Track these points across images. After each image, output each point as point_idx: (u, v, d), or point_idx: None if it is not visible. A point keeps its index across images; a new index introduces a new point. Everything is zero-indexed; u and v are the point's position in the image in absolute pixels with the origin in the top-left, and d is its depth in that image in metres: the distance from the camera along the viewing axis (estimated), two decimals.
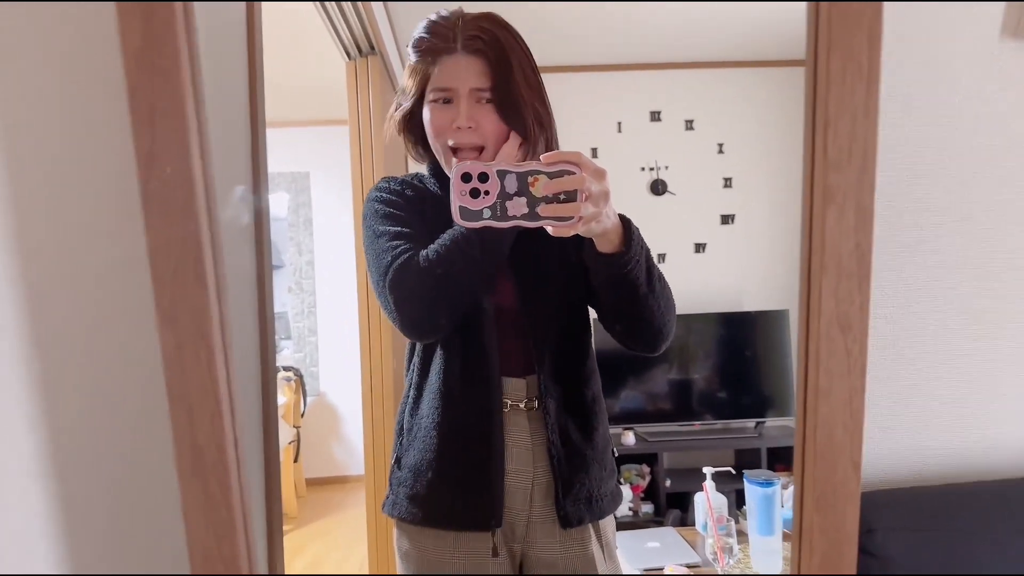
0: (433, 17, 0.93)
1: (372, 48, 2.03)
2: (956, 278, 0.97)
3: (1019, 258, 0.97)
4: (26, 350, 0.66)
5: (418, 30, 0.93)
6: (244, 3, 0.86)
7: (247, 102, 0.87)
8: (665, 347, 0.96)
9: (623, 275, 0.85)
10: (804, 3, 0.66)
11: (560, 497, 0.95)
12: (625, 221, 0.85)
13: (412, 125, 0.98)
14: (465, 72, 0.90)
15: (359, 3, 1.74)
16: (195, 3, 0.59)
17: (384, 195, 0.97)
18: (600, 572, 0.97)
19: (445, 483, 0.94)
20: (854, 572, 0.60)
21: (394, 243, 0.88)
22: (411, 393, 0.98)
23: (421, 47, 0.92)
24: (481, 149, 0.92)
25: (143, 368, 0.71)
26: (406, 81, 0.96)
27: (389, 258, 0.87)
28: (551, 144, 0.97)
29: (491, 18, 0.92)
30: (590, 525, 0.97)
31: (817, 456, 0.57)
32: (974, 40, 0.92)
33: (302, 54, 2.24)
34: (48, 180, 0.69)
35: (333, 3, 1.72)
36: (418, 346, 0.98)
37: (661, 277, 0.92)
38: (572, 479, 0.96)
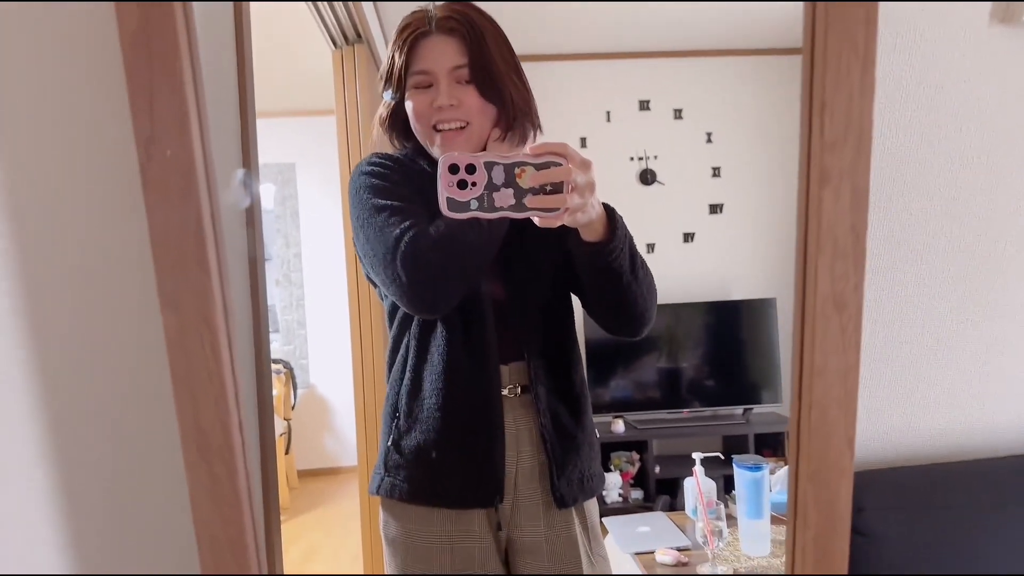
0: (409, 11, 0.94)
1: (359, 36, 2.02)
2: (944, 261, 0.98)
3: (1006, 242, 0.99)
4: (26, 340, 0.66)
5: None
6: None
7: (236, 91, 0.86)
8: (647, 331, 0.98)
9: (607, 263, 0.86)
10: None
11: (555, 479, 0.96)
12: (609, 210, 0.86)
13: (395, 120, 0.99)
14: (442, 53, 0.91)
15: None
16: None
17: (378, 169, 0.95)
18: (582, 553, 0.98)
19: (449, 462, 0.95)
20: (847, 547, 0.61)
21: (398, 217, 0.87)
22: (408, 375, 0.97)
23: (397, 36, 0.93)
24: (465, 126, 0.92)
25: (146, 354, 0.70)
26: (385, 74, 0.96)
27: (398, 231, 0.85)
28: (533, 125, 0.98)
29: (463, 3, 0.93)
30: (574, 509, 0.99)
31: (812, 433, 0.58)
32: (964, 26, 0.93)
33: (288, 43, 2.22)
34: (47, 168, 0.69)
35: None
36: (413, 328, 0.97)
37: (644, 264, 0.93)
38: (565, 461, 0.97)
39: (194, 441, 0.54)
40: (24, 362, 0.66)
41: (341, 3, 1.80)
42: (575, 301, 1.03)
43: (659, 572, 1.48)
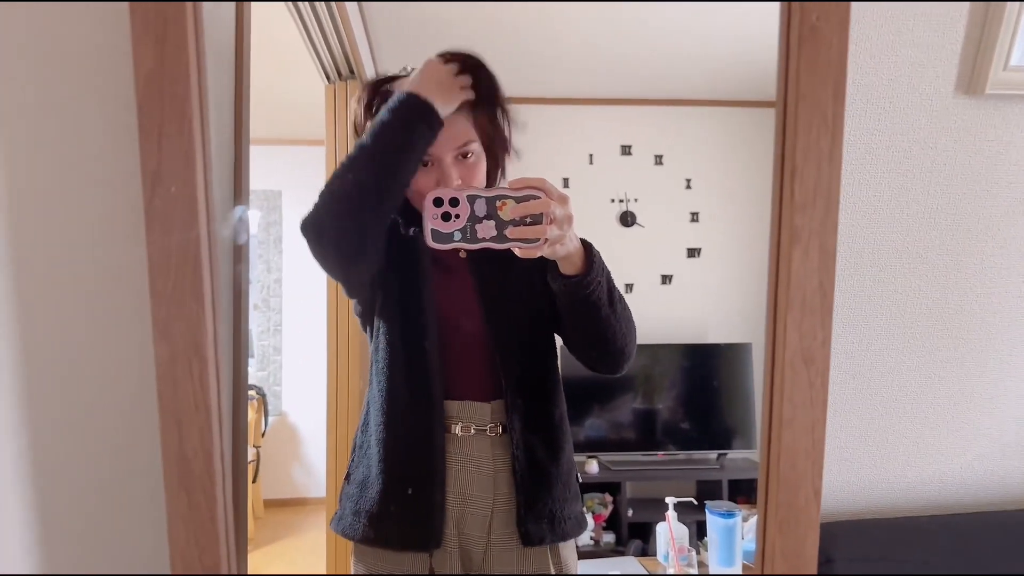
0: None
1: (352, 72, 2.05)
2: (912, 317, 1.02)
3: (970, 300, 1.03)
4: (15, 357, 0.66)
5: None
6: (233, 24, 0.88)
7: (232, 120, 0.88)
8: (627, 368, 0.98)
9: (586, 296, 0.87)
10: (774, 49, 0.71)
11: (522, 514, 0.95)
12: (586, 245, 0.87)
13: None
14: (449, 134, 0.88)
15: (340, 28, 1.76)
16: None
17: None
18: None
19: (387, 500, 0.93)
20: None
21: None
22: (366, 408, 0.98)
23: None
24: None
25: (129, 379, 0.70)
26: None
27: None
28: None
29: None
30: (549, 553, 0.97)
31: (780, 483, 0.60)
32: (931, 94, 0.98)
33: (280, 73, 2.25)
34: (48, 193, 0.69)
35: (315, 27, 1.73)
36: (373, 364, 0.98)
37: (622, 299, 0.94)
38: (535, 497, 0.96)
39: (176, 468, 0.54)
40: (9, 382, 0.66)
41: (336, 40, 1.83)
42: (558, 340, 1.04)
43: None
